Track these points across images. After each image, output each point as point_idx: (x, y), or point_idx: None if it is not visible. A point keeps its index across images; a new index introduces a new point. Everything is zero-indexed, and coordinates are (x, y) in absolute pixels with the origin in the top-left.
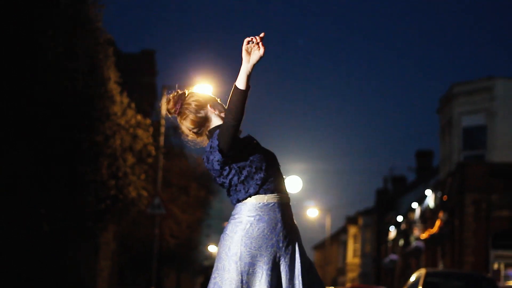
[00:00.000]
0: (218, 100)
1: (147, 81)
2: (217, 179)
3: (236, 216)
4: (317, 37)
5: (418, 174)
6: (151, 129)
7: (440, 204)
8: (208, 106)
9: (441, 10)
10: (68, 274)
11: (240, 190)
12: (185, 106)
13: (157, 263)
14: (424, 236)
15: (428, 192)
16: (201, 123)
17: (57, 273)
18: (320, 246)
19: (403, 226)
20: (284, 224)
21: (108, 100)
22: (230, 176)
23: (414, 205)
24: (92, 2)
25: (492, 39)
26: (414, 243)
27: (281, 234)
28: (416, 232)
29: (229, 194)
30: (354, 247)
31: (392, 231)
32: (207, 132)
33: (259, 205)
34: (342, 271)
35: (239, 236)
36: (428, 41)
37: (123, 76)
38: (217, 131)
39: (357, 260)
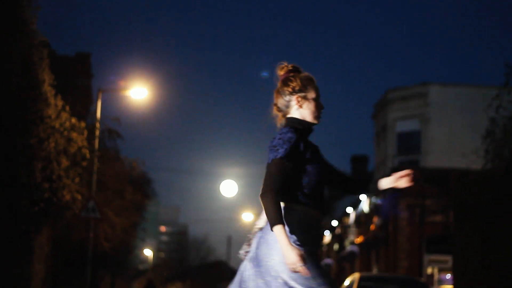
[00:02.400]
0: (313, 95)
1: (82, 84)
2: None
3: None
4: (258, 37)
5: None
6: (85, 132)
7: (374, 209)
8: (296, 97)
9: (375, 17)
10: (0, 277)
11: None
12: (286, 83)
13: (92, 266)
14: (358, 240)
15: (363, 197)
16: (284, 106)
17: None
18: None
19: (338, 231)
20: None
21: (42, 103)
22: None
23: (349, 209)
24: (27, 3)
25: (426, 45)
26: (348, 248)
27: None
28: (351, 236)
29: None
30: None
31: (327, 236)
32: (283, 118)
33: None
34: None
35: None
36: (363, 47)
37: (58, 78)
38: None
39: None
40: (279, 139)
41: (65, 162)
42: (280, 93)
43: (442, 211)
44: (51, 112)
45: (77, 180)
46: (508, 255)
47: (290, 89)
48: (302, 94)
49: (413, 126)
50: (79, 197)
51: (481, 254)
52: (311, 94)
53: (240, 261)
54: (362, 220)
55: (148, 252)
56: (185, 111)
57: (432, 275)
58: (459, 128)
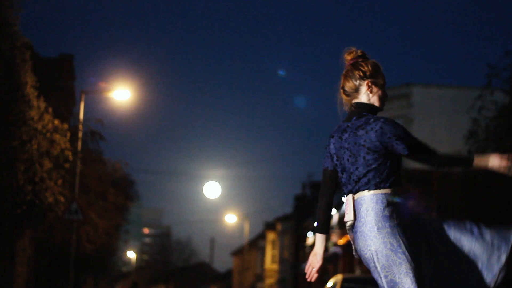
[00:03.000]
0: (381, 81)
1: (65, 85)
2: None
3: None
4: (239, 39)
5: None
6: (68, 134)
7: None
8: (366, 82)
9: (359, 17)
10: None
11: None
12: (356, 67)
13: (75, 269)
14: (341, 242)
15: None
16: (352, 90)
17: None
18: (238, 252)
19: None
20: None
21: (25, 105)
22: None
23: (332, 211)
24: (9, 5)
25: (409, 46)
26: (331, 249)
27: None
28: (334, 238)
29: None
30: (272, 253)
31: (310, 237)
32: (352, 103)
33: None
34: (260, 277)
35: None
36: (345, 47)
37: (41, 80)
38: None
39: (275, 266)
40: (394, 127)
41: (47, 164)
42: (349, 77)
43: (424, 211)
44: (34, 114)
45: (59, 182)
46: None
47: (361, 74)
48: (373, 79)
49: None
50: (62, 199)
51: None
52: (380, 81)
53: (223, 261)
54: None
55: (131, 254)
56: (168, 113)
57: None
58: (442, 128)
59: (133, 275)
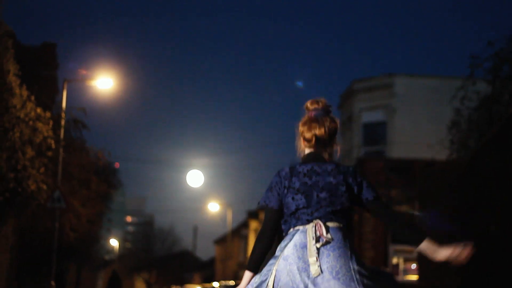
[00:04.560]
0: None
1: (47, 74)
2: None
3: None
4: (222, 28)
5: None
6: (51, 122)
7: None
8: (335, 138)
9: (342, 7)
10: None
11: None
12: (331, 119)
13: (57, 257)
14: None
15: None
16: (325, 142)
17: None
18: (221, 241)
19: None
20: None
21: (7, 93)
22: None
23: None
24: None
25: (392, 36)
26: None
27: None
28: None
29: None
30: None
31: None
32: (315, 153)
33: None
34: (243, 265)
35: None
36: (330, 37)
37: (23, 68)
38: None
39: None
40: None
41: (30, 152)
42: (325, 126)
43: (407, 201)
44: (16, 102)
45: (42, 170)
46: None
47: (335, 127)
48: (337, 136)
49: (378, 117)
50: (45, 187)
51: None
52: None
53: (206, 250)
54: None
55: (114, 242)
56: (151, 101)
57: (397, 265)
58: (425, 119)
59: (116, 263)
